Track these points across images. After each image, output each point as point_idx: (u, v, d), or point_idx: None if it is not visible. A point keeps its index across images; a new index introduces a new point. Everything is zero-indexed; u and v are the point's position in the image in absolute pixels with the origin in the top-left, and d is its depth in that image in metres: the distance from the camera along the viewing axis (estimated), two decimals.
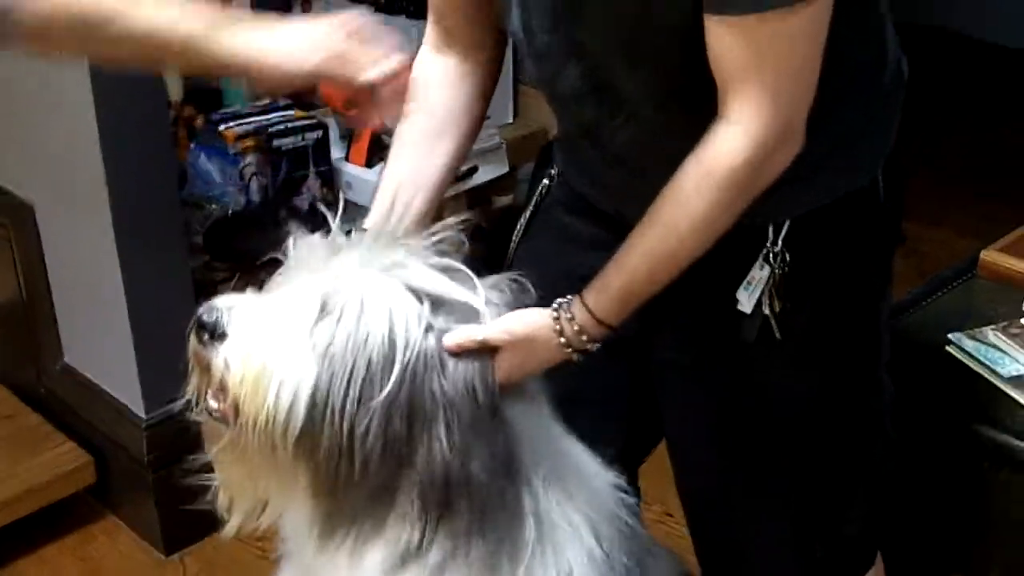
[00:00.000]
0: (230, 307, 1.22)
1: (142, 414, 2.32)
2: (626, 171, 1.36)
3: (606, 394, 1.52)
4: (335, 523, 1.22)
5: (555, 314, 1.27)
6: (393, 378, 1.16)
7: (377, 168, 2.72)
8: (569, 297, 1.28)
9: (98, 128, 2.09)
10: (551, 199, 1.52)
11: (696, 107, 1.24)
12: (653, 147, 1.31)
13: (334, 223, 1.27)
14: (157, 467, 2.34)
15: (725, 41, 1.15)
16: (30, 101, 2.26)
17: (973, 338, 1.97)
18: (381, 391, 1.16)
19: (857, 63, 1.29)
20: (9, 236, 2.48)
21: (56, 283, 2.43)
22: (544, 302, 1.48)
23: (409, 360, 1.17)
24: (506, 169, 2.91)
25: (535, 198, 1.54)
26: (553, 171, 1.51)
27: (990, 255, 2.18)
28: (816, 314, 1.37)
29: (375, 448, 1.17)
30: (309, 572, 1.29)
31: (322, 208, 1.30)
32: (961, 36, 4.47)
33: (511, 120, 3.29)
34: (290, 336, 1.18)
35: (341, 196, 2.69)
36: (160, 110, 2.23)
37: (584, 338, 1.27)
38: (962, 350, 1.95)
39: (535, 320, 1.27)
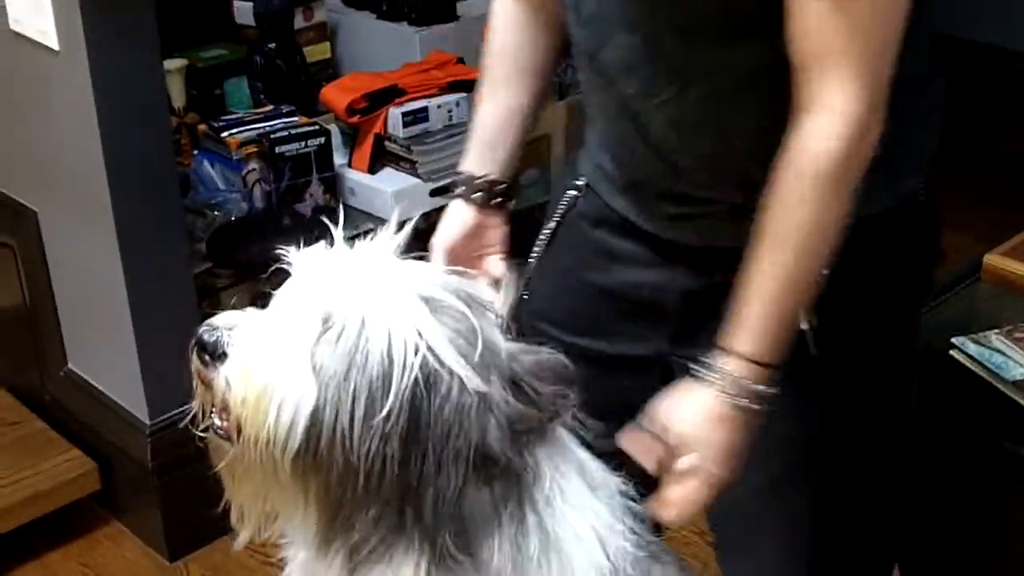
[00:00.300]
0: (230, 326, 1.21)
1: (146, 420, 2.32)
2: (659, 159, 1.31)
3: (634, 411, 1.49)
4: (333, 534, 1.21)
5: (703, 376, 1.22)
6: (391, 399, 1.14)
7: (380, 175, 2.73)
8: (705, 357, 1.23)
9: (101, 134, 2.09)
10: (576, 212, 1.48)
11: (744, 87, 1.21)
12: (691, 130, 1.27)
13: (337, 231, 1.27)
14: (161, 473, 2.34)
15: (816, 16, 1.12)
16: (33, 107, 2.27)
17: (977, 343, 1.97)
18: (380, 411, 1.14)
19: (910, 70, 1.25)
20: (12, 243, 2.49)
21: (59, 289, 2.44)
22: (564, 316, 1.46)
23: (407, 383, 1.14)
24: None
25: (560, 210, 1.49)
26: (580, 182, 1.47)
27: (994, 259, 2.18)
28: (851, 330, 1.34)
29: (375, 468, 1.15)
30: None
31: (326, 219, 1.29)
32: (959, 39, 4.47)
33: None
34: (291, 355, 1.17)
35: (340, 204, 2.71)
36: (163, 117, 2.24)
37: (749, 383, 1.21)
38: (966, 355, 1.95)
39: (693, 396, 1.24)
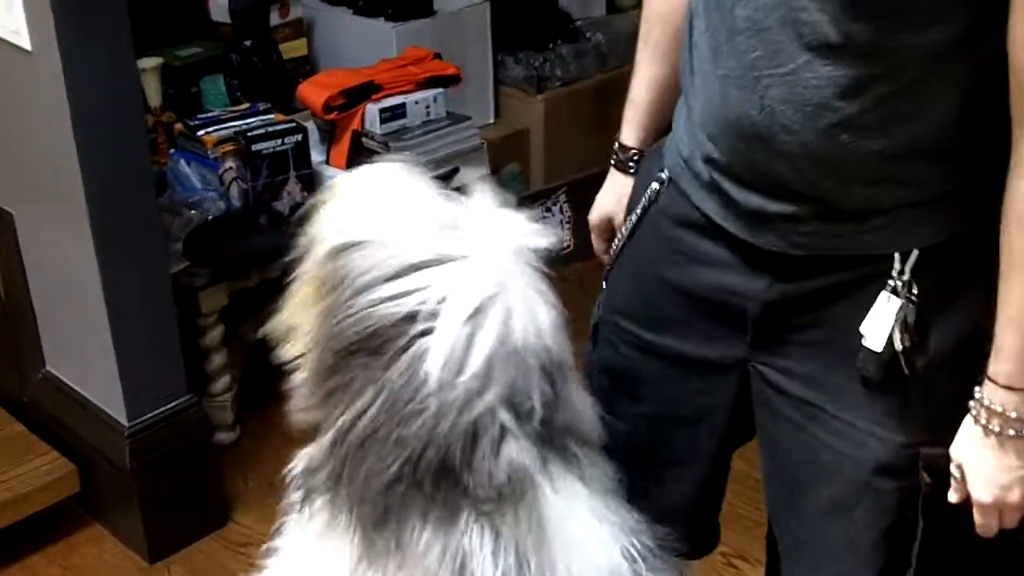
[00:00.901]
0: (390, 165, 1.30)
1: (124, 421, 2.31)
2: (762, 139, 1.23)
3: (706, 412, 1.44)
4: (316, 407, 1.26)
5: (974, 413, 1.20)
6: (369, 295, 1.19)
7: None
8: (977, 390, 1.20)
9: (75, 135, 2.08)
10: (657, 208, 1.43)
11: (895, 75, 1.15)
12: (809, 110, 1.19)
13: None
14: (141, 475, 2.33)
15: None
16: (6, 108, 2.25)
17: None
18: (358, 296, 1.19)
19: None
20: None
21: (36, 291, 2.42)
22: (641, 311, 1.43)
23: (395, 304, 1.18)
24: (487, 170, 2.90)
25: (642, 204, 1.45)
26: (663, 175, 1.41)
27: None
28: (937, 353, 1.27)
29: (336, 340, 1.21)
30: None
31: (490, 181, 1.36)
32: None
33: (492, 120, 3.30)
34: (382, 207, 1.25)
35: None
36: (137, 116, 2.22)
37: (1010, 411, 1.18)
38: None
39: (966, 429, 1.21)
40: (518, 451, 1.18)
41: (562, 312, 1.24)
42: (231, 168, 2.58)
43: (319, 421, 1.25)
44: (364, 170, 1.32)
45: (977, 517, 1.25)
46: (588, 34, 3.49)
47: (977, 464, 1.21)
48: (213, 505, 2.47)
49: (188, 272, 2.47)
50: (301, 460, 1.29)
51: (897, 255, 1.24)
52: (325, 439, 1.23)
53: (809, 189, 1.24)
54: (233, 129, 2.61)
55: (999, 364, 1.18)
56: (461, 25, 3.16)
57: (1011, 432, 1.18)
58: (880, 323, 1.25)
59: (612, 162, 1.56)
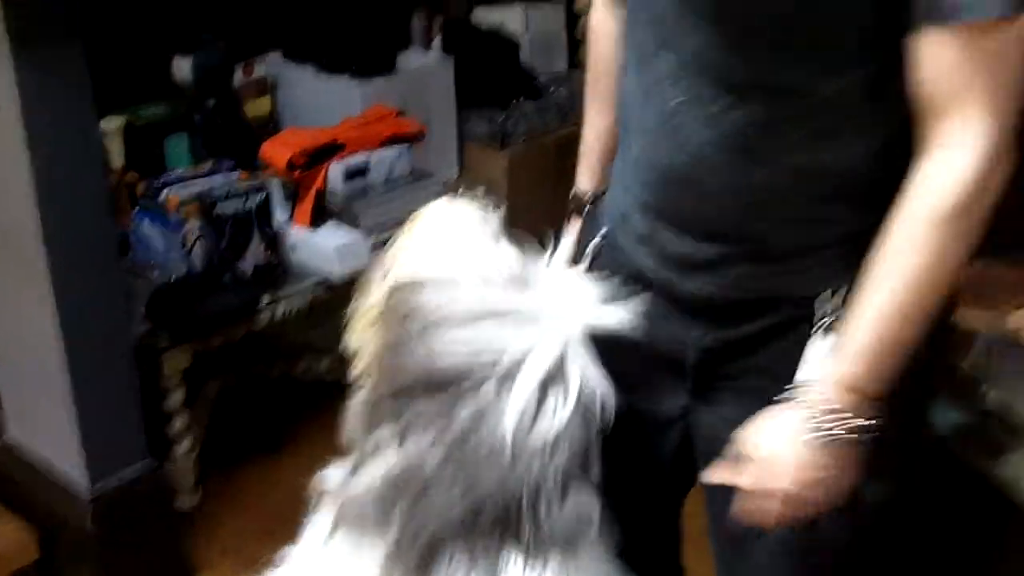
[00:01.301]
0: (463, 207, 1.34)
1: (86, 486, 2.28)
2: (690, 183, 1.27)
3: (656, 466, 1.47)
4: (370, 419, 1.31)
5: (797, 398, 1.21)
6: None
7: (322, 230, 2.71)
8: (813, 389, 1.21)
9: (36, 197, 2.06)
10: (599, 264, 1.46)
11: (803, 117, 1.19)
12: (728, 153, 1.23)
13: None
14: (102, 540, 2.29)
15: (943, 57, 1.10)
16: None
17: None
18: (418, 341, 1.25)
19: None
20: None
21: None
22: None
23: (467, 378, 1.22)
24: None
25: (586, 263, 1.48)
26: (603, 230, 1.46)
27: None
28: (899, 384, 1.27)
29: (388, 385, 1.26)
30: None
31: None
32: None
33: (456, 176, 3.30)
34: (459, 252, 1.28)
35: (282, 261, 2.68)
36: (99, 179, 2.21)
37: (841, 410, 1.19)
38: None
39: (785, 416, 1.22)
40: (588, 499, 1.25)
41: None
42: (194, 229, 2.56)
43: (357, 445, 1.30)
44: (440, 206, 1.37)
45: (763, 502, 1.24)
46: (551, 89, 3.51)
47: (790, 457, 1.21)
48: (176, 569, 2.43)
49: (151, 334, 2.45)
50: (333, 480, 1.33)
51: (827, 293, 1.26)
52: (375, 472, 1.26)
53: (735, 231, 1.27)
54: (196, 190, 2.59)
55: (849, 365, 1.19)
56: (424, 82, 3.18)
57: (841, 434, 1.19)
58: (820, 362, 1.25)
59: (570, 209, 1.58)
